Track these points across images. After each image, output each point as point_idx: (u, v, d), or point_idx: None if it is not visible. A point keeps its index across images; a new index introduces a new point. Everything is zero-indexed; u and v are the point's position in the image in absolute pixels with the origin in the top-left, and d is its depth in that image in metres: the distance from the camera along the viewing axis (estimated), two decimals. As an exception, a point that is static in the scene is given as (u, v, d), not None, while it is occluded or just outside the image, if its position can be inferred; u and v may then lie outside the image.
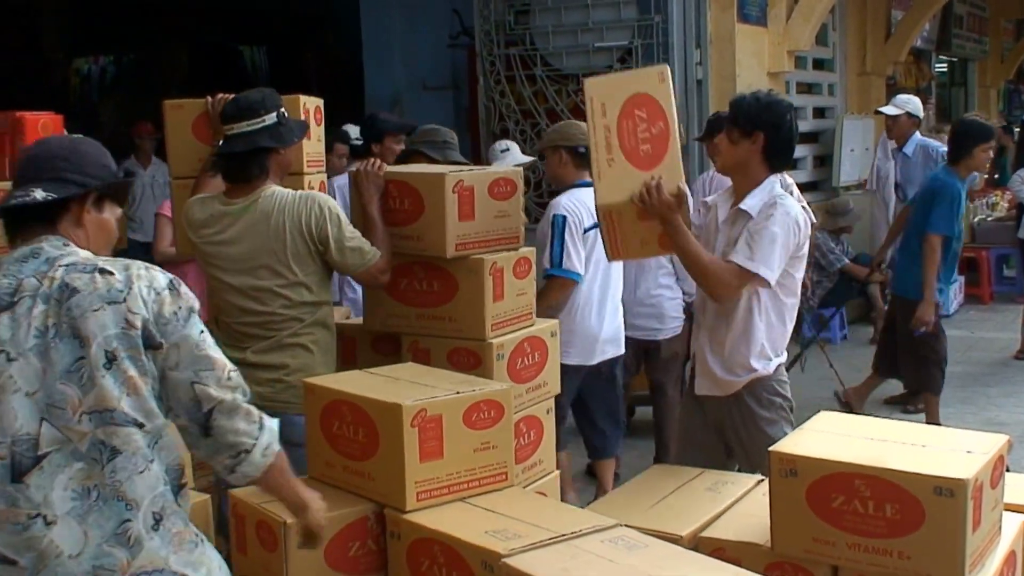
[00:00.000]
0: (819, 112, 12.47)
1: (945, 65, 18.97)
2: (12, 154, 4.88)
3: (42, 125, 4.93)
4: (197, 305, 2.76)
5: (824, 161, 12.31)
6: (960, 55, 18.63)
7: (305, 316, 4.39)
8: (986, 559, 3.40)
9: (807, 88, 12.19)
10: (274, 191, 4.34)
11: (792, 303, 4.65)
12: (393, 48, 11.81)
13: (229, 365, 2.77)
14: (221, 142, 4.43)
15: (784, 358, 4.73)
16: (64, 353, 2.58)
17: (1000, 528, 3.53)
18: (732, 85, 9.85)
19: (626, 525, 3.48)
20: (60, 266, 2.65)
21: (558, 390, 4.99)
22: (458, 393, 3.74)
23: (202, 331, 2.75)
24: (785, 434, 4.51)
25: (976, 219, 13.52)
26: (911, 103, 9.80)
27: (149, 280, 2.69)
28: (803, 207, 4.68)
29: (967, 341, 10.83)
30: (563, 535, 3.33)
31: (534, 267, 4.82)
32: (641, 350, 6.88)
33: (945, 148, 9.19)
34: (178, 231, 4.89)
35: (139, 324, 2.63)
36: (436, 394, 3.70)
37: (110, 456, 2.57)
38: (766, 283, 4.40)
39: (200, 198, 4.51)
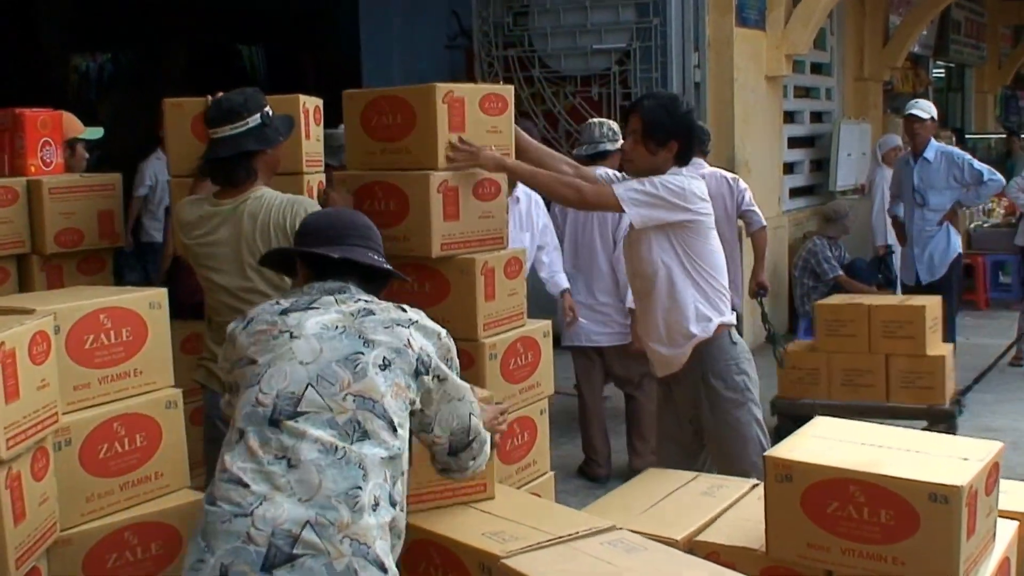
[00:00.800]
0: (816, 116, 12.49)
1: (943, 70, 19.03)
2: (12, 150, 4.88)
3: (41, 122, 4.93)
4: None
5: (821, 165, 12.33)
6: (958, 60, 18.67)
7: None
8: (980, 565, 3.39)
9: (804, 92, 12.21)
10: (262, 194, 4.29)
11: (715, 262, 4.79)
12: (391, 48, 11.82)
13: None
14: (206, 146, 4.37)
15: (730, 317, 4.84)
16: (345, 344, 2.91)
17: (994, 535, 3.52)
18: (730, 88, 9.87)
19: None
20: (362, 299, 3.09)
21: (551, 391, 5.00)
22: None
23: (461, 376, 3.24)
24: (753, 417, 4.76)
25: (972, 225, 13.54)
26: (933, 108, 9.79)
27: (433, 324, 3.18)
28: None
29: (962, 347, 10.82)
30: (561, 537, 3.33)
31: (525, 267, 4.83)
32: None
33: (968, 155, 9.25)
34: (172, 231, 4.89)
35: (416, 349, 3.02)
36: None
37: (360, 437, 2.79)
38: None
39: (190, 199, 4.48)
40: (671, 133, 4.71)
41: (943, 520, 3.22)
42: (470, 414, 3.19)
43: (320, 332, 2.92)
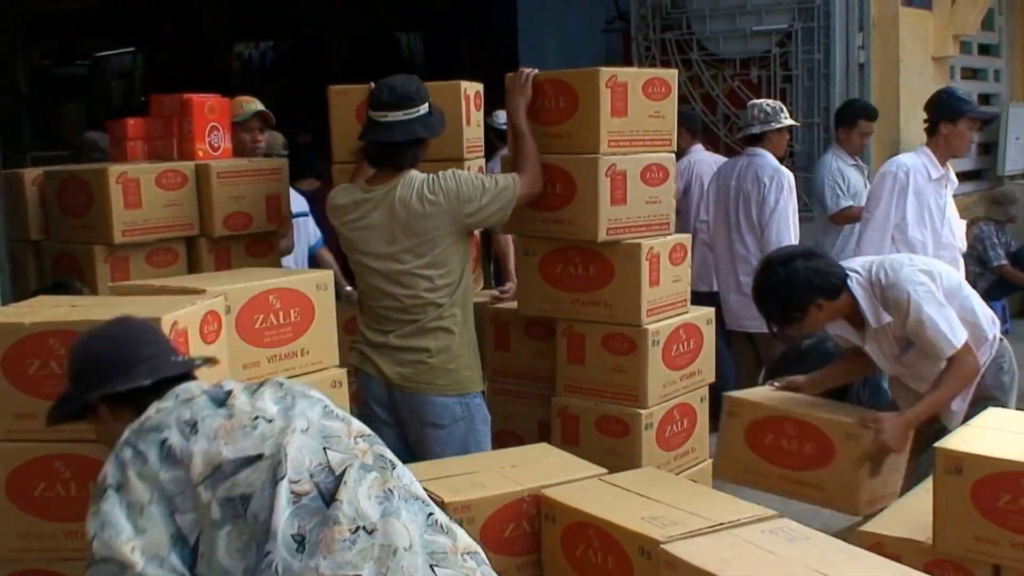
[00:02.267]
0: (984, 99, 12.12)
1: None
2: (180, 135, 5.00)
3: (209, 107, 5.03)
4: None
5: (988, 149, 11.98)
6: None
7: (444, 300, 4.35)
8: None
9: (972, 74, 11.86)
10: (412, 175, 4.33)
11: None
12: (547, 33, 11.80)
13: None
14: (366, 128, 4.41)
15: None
16: (309, 404, 2.69)
17: None
18: (895, 70, 9.63)
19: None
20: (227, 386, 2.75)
21: (712, 378, 4.97)
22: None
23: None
24: None
25: None
26: None
27: None
28: None
29: None
30: (722, 523, 3.30)
31: (689, 254, 4.80)
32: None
33: None
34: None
35: None
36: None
37: (392, 467, 2.64)
38: None
39: (344, 186, 4.56)
40: None
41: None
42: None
43: (279, 404, 2.65)
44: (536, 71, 4.60)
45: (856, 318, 4.38)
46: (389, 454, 2.67)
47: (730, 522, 3.33)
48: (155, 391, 2.69)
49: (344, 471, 2.54)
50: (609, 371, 4.59)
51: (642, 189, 4.55)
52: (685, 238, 4.78)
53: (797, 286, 4.28)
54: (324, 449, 2.58)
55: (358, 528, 2.48)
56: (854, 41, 9.12)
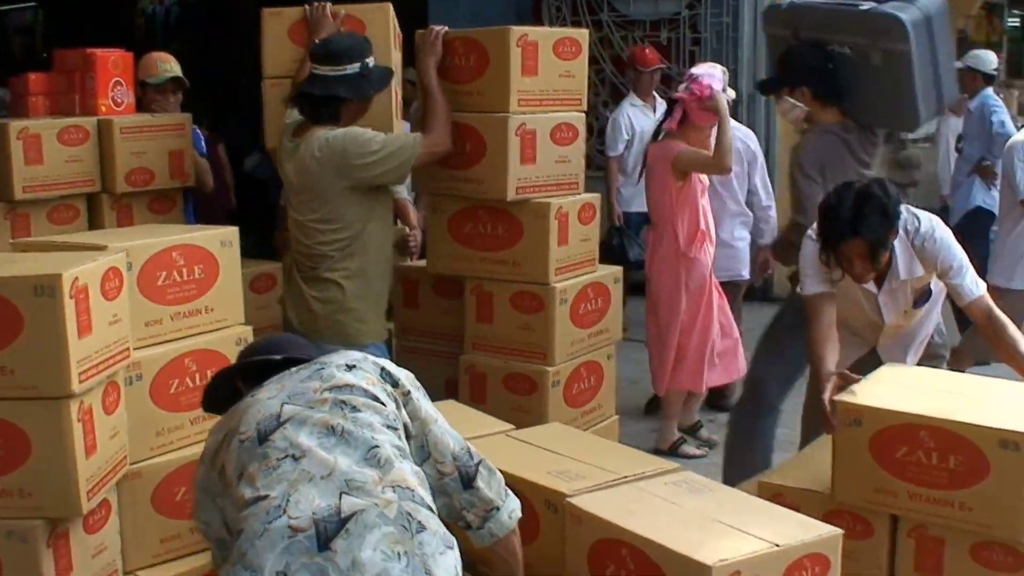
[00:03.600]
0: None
1: (1018, 20, 18.61)
2: (83, 91, 4.92)
3: (112, 62, 4.96)
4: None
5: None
6: (1034, 9, 18.27)
7: (335, 253, 4.42)
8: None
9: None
10: (319, 133, 4.36)
11: None
12: (458, -13, 11.75)
13: None
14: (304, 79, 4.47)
15: None
16: (304, 374, 2.74)
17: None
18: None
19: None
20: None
21: (619, 336, 5.00)
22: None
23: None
24: None
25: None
26: (974, 58, 9.61)
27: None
28: None
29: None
30: (626, 477, 3.33)
31: (598, 213, 4.82)
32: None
33: (1002, 116, 9.01)
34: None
35: (375, 362, 2.84)
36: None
37: (352, 411, 2.62)
38: None
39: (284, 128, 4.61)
40: None
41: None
42: (463, 437, 2.91)
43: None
44: (446, 29, 4.58)
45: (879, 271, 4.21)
46: (360, 402, 2.66)
47: (635, 475, 3.35)
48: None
49: (289, 419, 2.59)
50: (517, 329, 4.61)
51: (552, 148, 4.56)
52: (594, 197, 4.80)
53: (896, 209, 4.05)
54: (282, 404, 2.64)
55: (286, 456, 2.52)
56: (762, 5, 9.18)
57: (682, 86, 5.90)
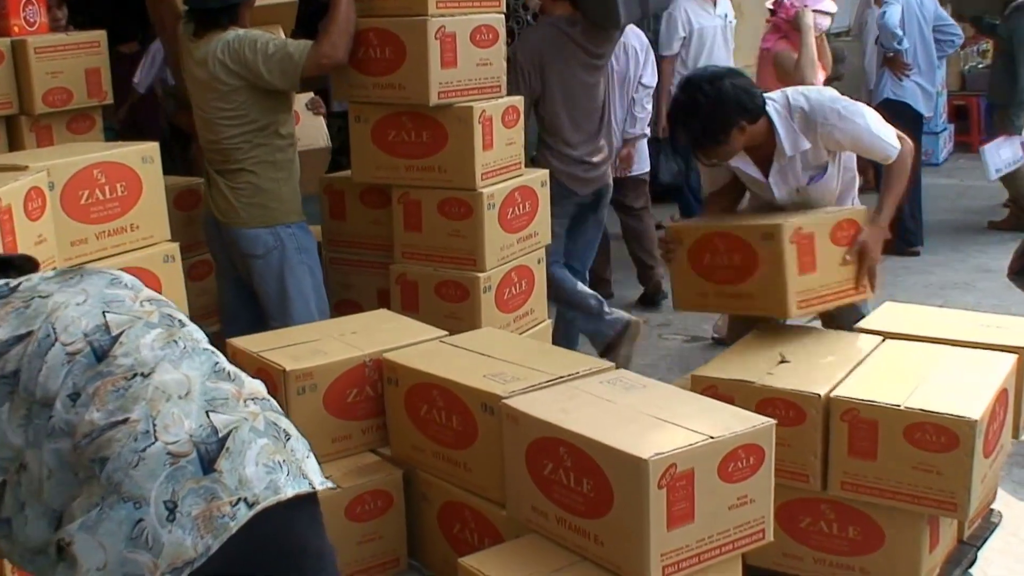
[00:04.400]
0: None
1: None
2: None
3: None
4: None
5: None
6: None
7: (244, 144, 4.61)
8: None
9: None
10: (219, 37, 4.52)
11: None
12: None
13: None
14: None
15: None
16: (95, 280, 2.59)
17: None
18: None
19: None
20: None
21: (548, 240, 5.02)
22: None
23: None
24: None
25: (967, 67, 13.39)
26: None
27: None
28: None
29: (957, 189, 10.84)
30: (561, 376, 3.36)
31: (522, 116, 4.81)
32: None
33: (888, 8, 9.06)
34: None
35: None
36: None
37: (181, 324, 2.55)
38: None
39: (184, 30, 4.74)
40: None
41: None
42: None
43: (62, 285, 2.56)
44: None
45: (762, 150, 4.29)
46: (179, 315, 2.59)
47: (569, 375, 3.39)
48: None
49: (122, 331, 2.47)
50: (446, 236, 4.61)
51: (472, 51, 4.53)
52: (517, 100, 4.78)
53: (725, 105, 4.12)
54: (103, 312, 2.50)
55: (135, 375, 2.41)
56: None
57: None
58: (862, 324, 4.25)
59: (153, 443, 2.30)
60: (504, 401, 3.22)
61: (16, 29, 4.82)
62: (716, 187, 4.56)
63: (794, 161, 4.27)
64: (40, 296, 2.52)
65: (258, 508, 2.29)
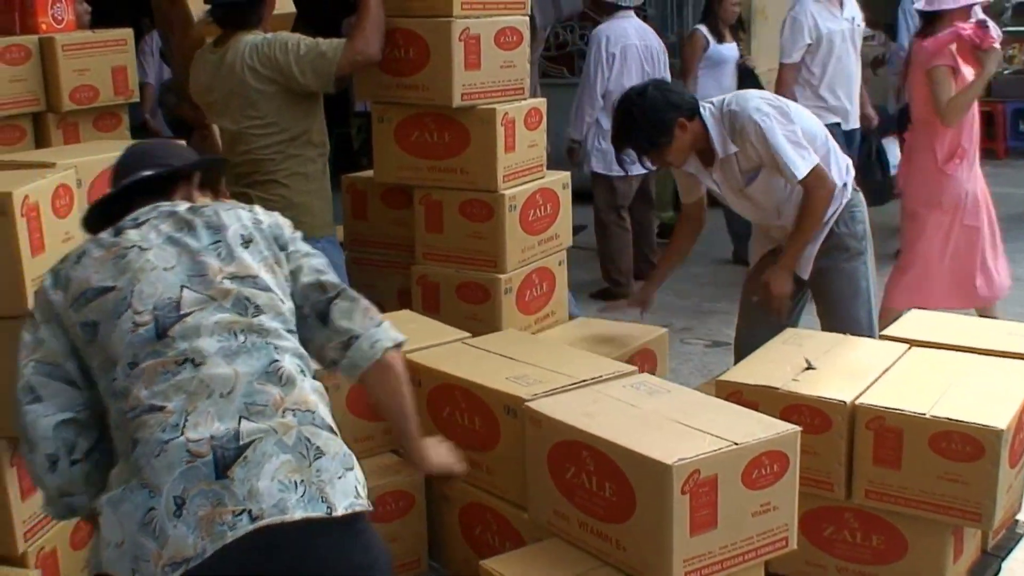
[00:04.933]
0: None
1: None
2: (22, 8, 4.85)
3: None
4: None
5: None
6: None
7: (276, 156, 4.50)
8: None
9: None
10: (244, 40, 4.43)
11: None
12: None
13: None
14: None
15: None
16: (200, 238, 2.63)
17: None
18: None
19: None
20: (181, 204, 2.74)
21: (570, 242, 5.01)
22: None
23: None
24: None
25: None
26: None
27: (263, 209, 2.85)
28: None
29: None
30: (584, 380, 3.36)
31: (544, 119, 4.80)
32: None
33: None
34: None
35: (266, 223, 2.75)
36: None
37: (255, 312, 2.57)
38: None
39: (197, 56, 4.64)
40: None
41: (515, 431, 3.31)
42: (320, 270, 2.80)
43: (169, 237, 2.63)
44: None
45: (706, 152, 4.46)
46: (260, 298, 2.60)
47: (593, 379, 3.39)
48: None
49: (191, 312, 2.53)
50: (467, 237, 4.60)
51: (496, 53, 4.53)
52: (540, 102, 4.78)
53: (658, 108, 4.35)
54: (182, 287, 2.56)
55: (186, 361, 2.48)
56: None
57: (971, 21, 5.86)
58: (888, 332, 4.23)
59: (177, 437, 2.37)
60: (527, 404, 3.22)
61: (44, 27, 4.85)
62: (692, 198, 4.79)
63: (730, 162, 4.44)
64: (140, 248, 2.60)
65: (260, 524, 2.31)
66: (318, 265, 2.79)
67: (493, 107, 4.48)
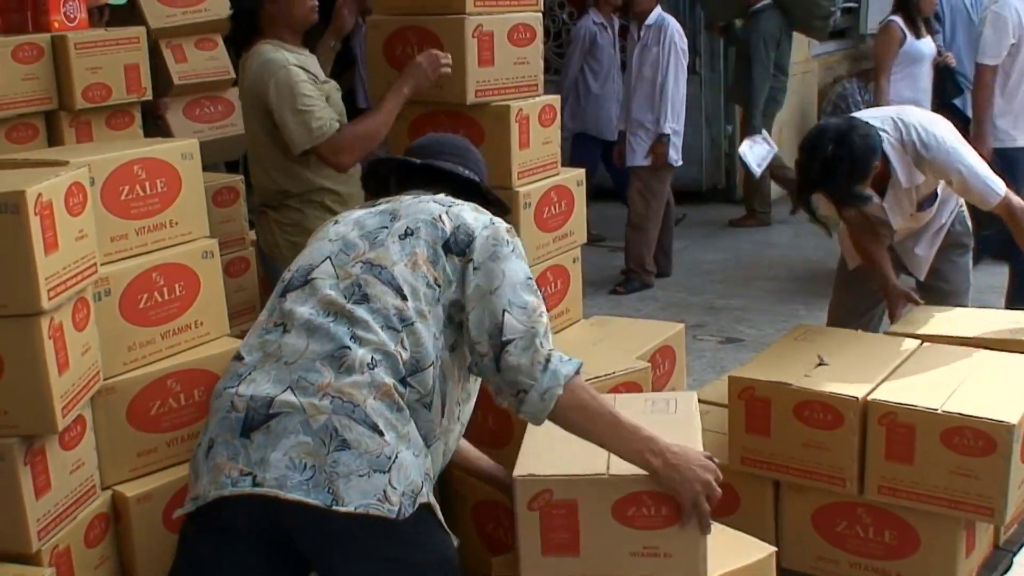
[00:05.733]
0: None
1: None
2: (35, 6, 4.87)
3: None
4: (520, 247, 2.91)
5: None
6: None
7: (291, 176, 4.49)
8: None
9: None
10: (258, 52, 4.41)
11: None
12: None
13: (545, 315, 2.81)
14: None
15: None
16: (375, 222, 2.85)
17: None
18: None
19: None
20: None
21: (584, 239, 5.00)
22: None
23: (527, 275, 2.87)
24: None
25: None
26: None
27: (475, 210, 2.92)
28: None
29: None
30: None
31: (558, 116, 4.80)
32: None
33: None
34: None
35: (449, 227, 2.81)
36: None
37: (359, 299, 2.69)
38: None
39: None
40: None
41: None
42: (504, 310, 2.73)
43: (361, 216, 2.92)
44: (450, 59, 4.40)
45: (878, 178, 4.37)
46: (376, 290, 2.69)
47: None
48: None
49: (315, 279, 2.76)
50: (482, 235, 4.60)
51: (510, 50, 4.53)
52: (554, 99, 4.77)
53: (864, 158, 4.22)
54: (327, 258, 2.80)
55: (280, 324, 2.73)
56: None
57: None
58: (897, 327, 4.24)
59: (233, 387, 2.64)
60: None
61: (56, 25, 4.86)
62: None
63: (909, 191, 4.40)
64: (336, 222, 2.99)
65: (258, 490, 2.49)
66: (506, 304, 2.74)
67: (507, 104, 4.47)
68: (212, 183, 4.82)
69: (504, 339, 2.70)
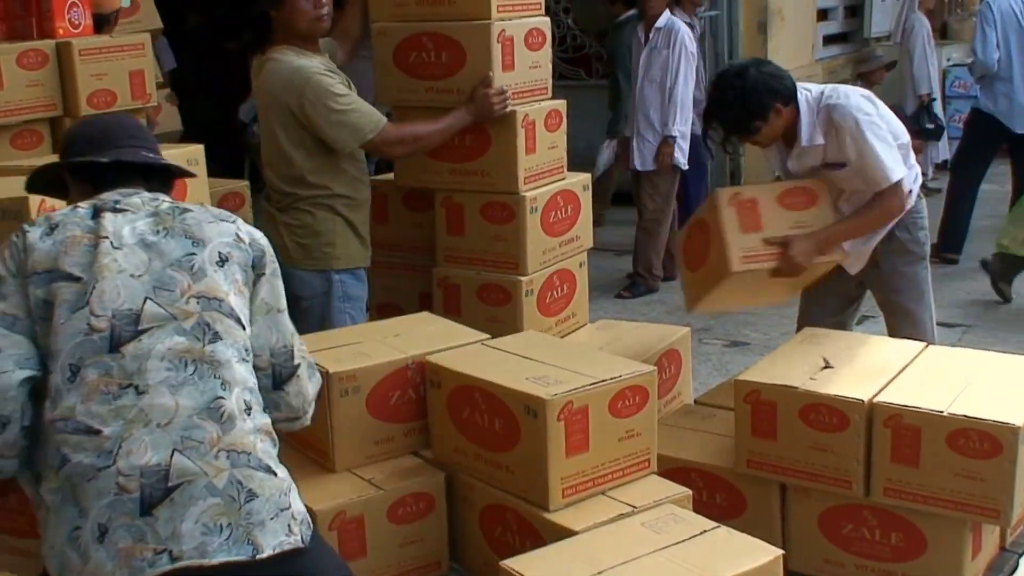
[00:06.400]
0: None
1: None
2: (39, 13, 4.87)
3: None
4: None
5: (855, 11, 12.11)
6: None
7: (307, 179, 4.44)
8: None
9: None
10: (274, 59, 4.36)
11: None
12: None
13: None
14: None
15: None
16: (175, 247, 2.63)
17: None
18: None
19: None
20: (165, 199, 2.77)
21: (590, 243, 5.01)
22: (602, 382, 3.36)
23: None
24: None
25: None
26: None
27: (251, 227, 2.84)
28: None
29: (998, 195, 10.71)
30: (604, 380, 3.36)
31: (564, 120, 4.81)
32: None
33: None
34: None
35: (247, 242, 2.74)
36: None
37: (212, 339, 2.56)
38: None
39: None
40: None
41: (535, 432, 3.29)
42: (292, 332, 2.84)
43: (143, 240, 2.62)
44: (510, 95, 4.45)
45: (790, 135, 4.46)
46: (223, 326, 2.59)
47: (611, 378, 3.40)
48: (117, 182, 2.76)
49: (149, 329, 2.52)
50: (489, 240, 4.61)
51: (526, 54, 4.54)
52: (560, 104, 4.78)
53: (758, 91, 4.35)
54: (146, 298, 2.55)
55: (130, 385, 2.48)
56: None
57: None
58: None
59: (109, 466, 2.41)
60: (548, 404, 3.23)
61: (61, 31, 4.86)
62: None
63: (813, 152, 4.42)
64: (113, 245, 2.58)
65: (179, 564, 2.38)
66: (286, 323, 2.82)
67: (513, 109, 4.49)
68: (218, 189, 4.83)
69: (295, 362, 2.82)
